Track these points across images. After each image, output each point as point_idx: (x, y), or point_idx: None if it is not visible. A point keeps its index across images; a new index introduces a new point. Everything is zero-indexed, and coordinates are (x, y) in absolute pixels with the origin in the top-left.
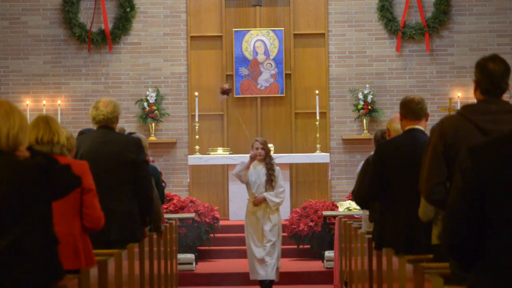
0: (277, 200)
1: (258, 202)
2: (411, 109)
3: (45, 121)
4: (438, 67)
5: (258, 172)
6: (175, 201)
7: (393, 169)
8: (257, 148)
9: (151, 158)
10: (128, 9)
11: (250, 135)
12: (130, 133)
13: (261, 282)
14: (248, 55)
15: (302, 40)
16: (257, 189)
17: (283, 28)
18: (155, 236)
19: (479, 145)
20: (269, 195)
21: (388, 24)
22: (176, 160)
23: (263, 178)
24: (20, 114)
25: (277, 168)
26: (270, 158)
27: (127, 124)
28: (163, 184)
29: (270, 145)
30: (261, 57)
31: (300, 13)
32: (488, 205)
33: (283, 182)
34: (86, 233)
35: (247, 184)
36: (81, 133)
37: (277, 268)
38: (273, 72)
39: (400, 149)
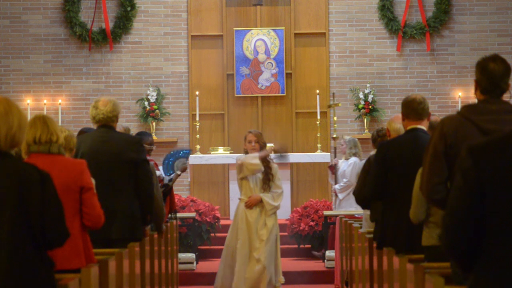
0: (274, 203)
1: (251, 204)
2: (413, 109)
3: (43, 121)
4: (439, 66)
5: None
6: (175, 200)
7: (395, 169)
8: (250, 142)
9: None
10: (128, 8)
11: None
12: (140, 133)
13: None
14: (249, 54)
15: (302, 39)
16: (251, 189)
17: (283, 28)
18: (156, 235)
19: (479, 145)
20: (266, 197)
21: (388, 24)
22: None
23: (258, 176)
24: (18, 113)
25: (274, 166)
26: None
27: (128, 124)
28: (165, 179)
29: (270, 144)
30: (261, 56)
31: (301, 12)
32: (488, 205)
33: (280, 183)
34: (86, 232)
35: (242, 181)
36: (81, 132)
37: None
38: (274, 71)
39: (402, 149)
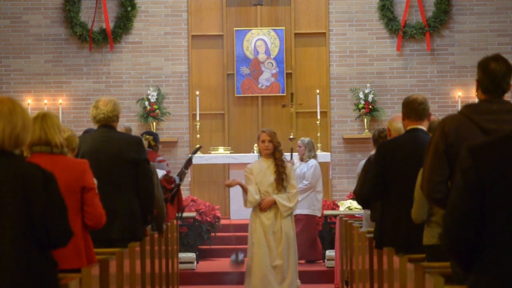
0: (289, 204)
1: (265, 206)
2: (414, 109)
3: (43, 121)
4: (439, 66)
5: (265, 170)
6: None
7: (395, 169)
8: (263, 141)
9: (160, 158)
10: (129, 8)
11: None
12: (147, 133)
13: None
14: (249, 54)
15: (303, 39)
16: (265, 191)
17: (284, 28)
18: (156, 235)
19: (479, 145)
20: (280, 198)
21: (388, 24)
22: (177, 159)
23: (271, 178)
24: (23, 113)
25: (288, 165)
26: (280, 153)
27: (128, 123)
28: (177, 179)
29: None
30: (262, 56)
31: (301, 12)
32: (489, 204)
33: (295, 182)
34: (87, 232)
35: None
36: (85, 133)
37: None
38: (274, 71)
39: (402, 149)
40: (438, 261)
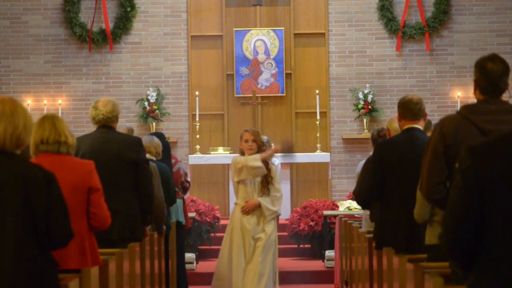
0: (274, 208)
1: (249, 209)
2: (410, 109)
3: (51, 122)
4: (438, 66)
5: None
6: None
7: (392, 168)
8: (246, 141)
9: (177, 158)
10: (128, 9)
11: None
12: (155, 133)
13: None
14: (249, 54)
15: (302, 39)
16: (249, 193)
17: (283, 28)
18: (156, 236)
19: (479, 145)
20: (265, 201)
21: (388, 24)
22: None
23: (257, 179)
24: (24, 113)
25: (274, 168)
26: None
27: (128, 124)
28: (187, 184)
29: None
30: (261, 56)
31: (301, 12)
32: (488, 205)
33: (280, 186)
34: (92, 233)
35: (239, 185)
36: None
37: None
38: (274, 71)
39: (399, 148)
40: (440, 261)
